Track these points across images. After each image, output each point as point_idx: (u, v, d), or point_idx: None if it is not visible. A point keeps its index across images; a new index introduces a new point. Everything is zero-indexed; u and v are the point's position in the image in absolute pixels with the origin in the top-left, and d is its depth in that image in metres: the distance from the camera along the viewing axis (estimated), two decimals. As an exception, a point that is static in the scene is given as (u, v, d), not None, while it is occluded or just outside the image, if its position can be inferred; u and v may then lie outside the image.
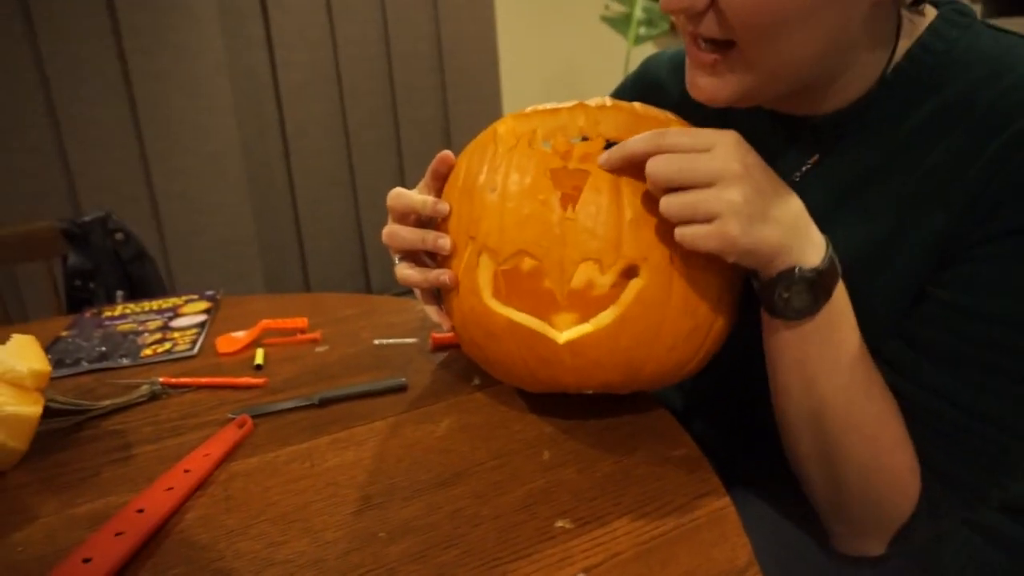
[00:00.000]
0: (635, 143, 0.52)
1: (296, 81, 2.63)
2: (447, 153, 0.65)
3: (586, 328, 0.55)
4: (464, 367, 0.76)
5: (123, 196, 2.32)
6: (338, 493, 0.55)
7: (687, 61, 0.57)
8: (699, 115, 0.63)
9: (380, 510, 0.52)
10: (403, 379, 0.73)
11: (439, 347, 0.82)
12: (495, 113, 3.25)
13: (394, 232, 0.64)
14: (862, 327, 0.54)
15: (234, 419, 0.67)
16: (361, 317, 0.95)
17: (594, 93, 0.85)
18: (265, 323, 0.90)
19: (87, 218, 1.37)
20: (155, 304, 1.05)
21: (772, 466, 0.62)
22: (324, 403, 0.71)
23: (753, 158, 0.50)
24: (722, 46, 0.53)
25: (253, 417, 0.68)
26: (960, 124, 0.51)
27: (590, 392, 0.61)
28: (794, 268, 0.49)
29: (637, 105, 0.60)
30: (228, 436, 0.63)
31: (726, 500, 0.51)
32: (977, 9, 1.21)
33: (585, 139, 0.60)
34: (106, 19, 2.20)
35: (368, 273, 3.00)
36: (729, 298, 0.57)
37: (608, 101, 0.60)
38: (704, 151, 0.49)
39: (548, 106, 0.61)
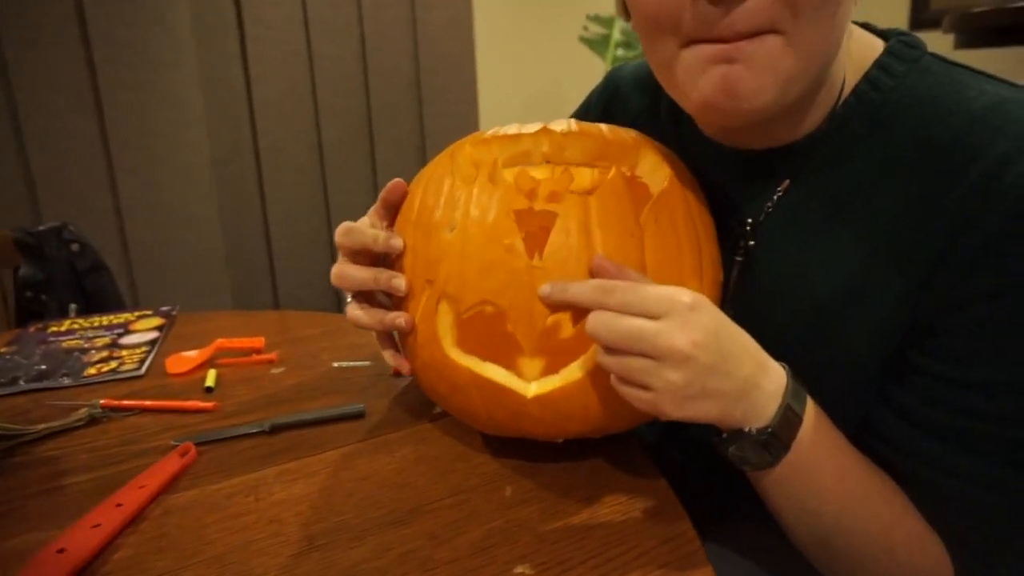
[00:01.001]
0: (579, 292, 0.48)
1: (271, 95, 2.59)
2: (399, 181, 0.61)
3: (555, 382, 0.51)
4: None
5: (88, 207, 2.25)
6: (282, 532, 0.51)
7: (697, 67, 0.48)
8: (659, 137, 0.60)
9: (325, 552, 0.48)
10: (361, 405, 0.69)
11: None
12: (472, 131, 3.24)
13: (344, 272, 0.59)
14: (844, 368, 0.52)
15: (177, 447, 0.62)
16: (322, 338, 0.91)
17: (571, 112, 0.83)
18: (220, 343, 0.86)
19: (41, 227, 1.32)
20: (105, 320, 1.00)
21: (750, 502, 0.59)
22: (275, 430, 0.66)
23: (703, 330, 0.45)
24: (758, 36, 0.46)
25: (198, 444, 0.63)
26: (913, 167, 0.49)
27: (560, 442, 0.58)
28: (742, 429, 0.47)
29: (605, 128, 0.57)
30: (168, 466, 0.59)
31: (697, 545, 0.48)
32: (949, 40, 1.21)
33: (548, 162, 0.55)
34: (75, 28, 2.15)
35: (338, 291, 2.95)
36: None
37: (574, 125, 0.56)
38: (653, 319, 0.45)
39: (510, 130, 0.56)
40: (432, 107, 2.99)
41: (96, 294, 1.33)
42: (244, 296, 2.68)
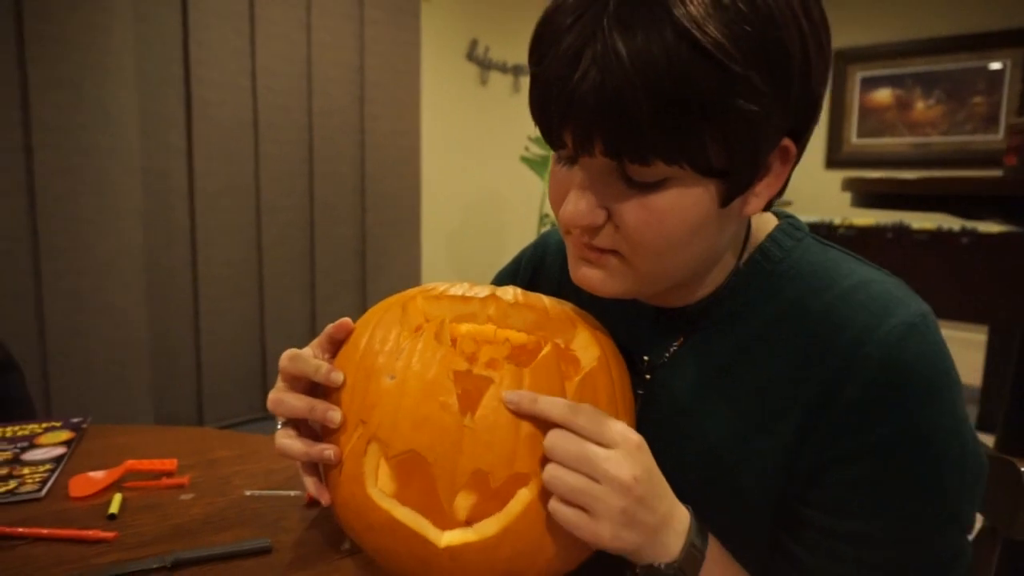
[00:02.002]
0: (549, 407, 0.52)
1: (212, 190, 2.61)
2: (346, 320, 0.63)
3: (468, 536, 0.53)
4: (336, 527, 0.72)
5: (4, 292, 2.18)
6: None
7: (570, 253, 0.59)
8: (578, 299, 0.66)
9: None
10: (267, 540, 0.69)
11: (314, 502, 0.78)
12: (414, 236, 3.31)
13: (281, 399, 0.60)
14: (732, 510, 0.57)
15: (69, 584, 0.60)
16: (237, 460, 0.90)
17: (511, 224, 0.88)
18: (129, 463, 0.84)
19: (-49, 324, 1.27)
20: (9, 431, 0.96)
21: None
22: (177, 566, 0.65)
23: (642, 467, 0.51)
24: (609, 253, 0.55)
25: (92, 581, 0.62)
26: (793, 332, 0.56)
27: None
28: (653, 564, 0.52)
29: (547, 302, 0.61)
30: (56, 608, 0.57)
31: None
32: (846, 199, 1.35)
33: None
34: (16, 111, 2.15)
35: (266, 388, 2.89)
36: None
37: (520, 296, 0.60)
38: (606, 447, 0.51)
39: (459, 290, 0.61)
40: (375, 213, 3.06)
41: (2, 396, 1.28)
42: (166, 390, 2.60)
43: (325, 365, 0.60)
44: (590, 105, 0.46)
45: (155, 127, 2.47)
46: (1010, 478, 0.75)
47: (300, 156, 2.83)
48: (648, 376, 0.64)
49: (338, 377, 0.59)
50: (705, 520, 0.56)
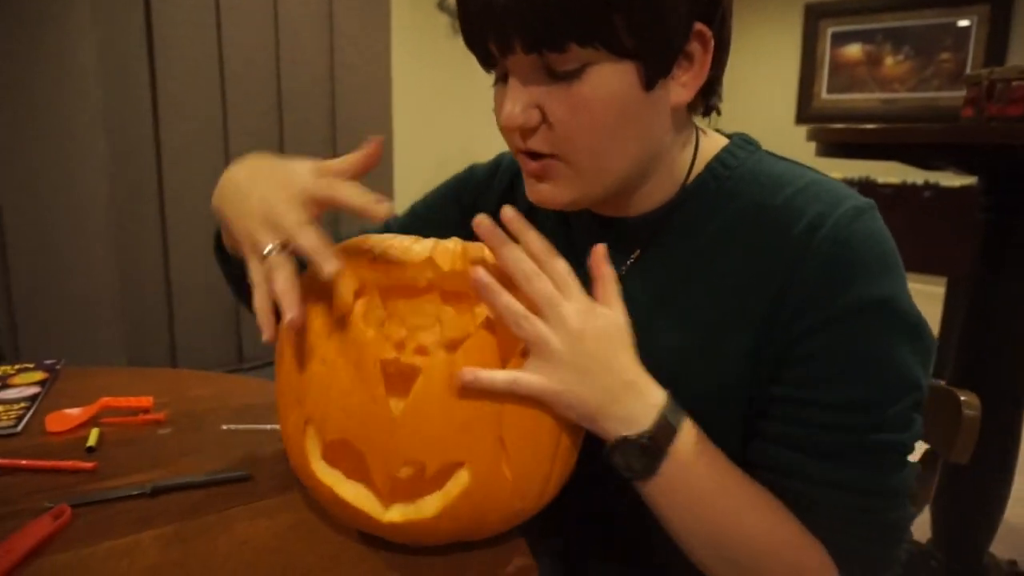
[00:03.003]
0: (514, 266, 0.54)
1: (179, 141, 2.57)
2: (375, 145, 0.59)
3: (410, 514, 0.54)
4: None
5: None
6: (154, 596, 0.52)
7: (524, 174, 0.63)
8: (537, 218, 0.68)
9: (196, 616, 0.50)
10: (245, 471, 0.71)
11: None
12: (385, 189, 3.29)
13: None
14: (692, 412, 0.58)
15: (51, 508, 0.62)
16: (213, 398, 0.92)
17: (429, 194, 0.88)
18: (105, 401, 0.86)
19: (-83, 271, 1.26)
20: (-18, 373, 0.96)
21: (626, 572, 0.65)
22: (156, 493, 0.67)
23: (602, 327, 0.54)
24: (548, 158, 0.59)
25: (74, 507, 0.63)
26: (752, 230, 0.59)
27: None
28: (624, 436, 0.53)
29: (490, 260, 0.58)
30: (39, 529, 0.59)
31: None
32: (811, 148, 1.38)
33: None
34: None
35: (241, 340, 2.89)
36: (569, 441, 0.57)
37: (458, 261, 0.57)
38: (562, 295, 0.54)
39: (397, 250, 0.58)
40: (346, 164, 3.04)
41: (-28, 342, 1.27)
42: (139, 344, 2.58)
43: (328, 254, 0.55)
44: (503, 4, 0.51)
45: (118, 78, 2.41)
46: (951, 406, 0.80)
47: (269, 107, 2.79)
48: None
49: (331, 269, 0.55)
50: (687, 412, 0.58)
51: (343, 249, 0.61)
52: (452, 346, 0.53)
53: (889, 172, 2.95)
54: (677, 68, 0.57)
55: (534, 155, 0.59)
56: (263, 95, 2.77)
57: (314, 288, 0.57)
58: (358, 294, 0.56)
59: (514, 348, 0.55)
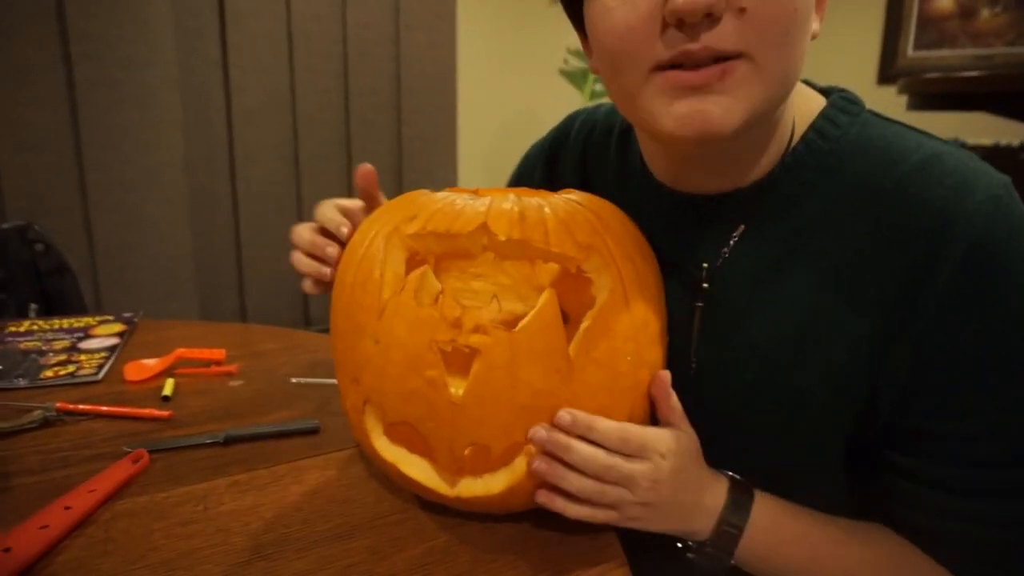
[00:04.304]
0: (603, 436, 0.50)
1: (249, 105, 2.60)
2: (364, 169, 0.67)
3: (477, 489, 0.52)
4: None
5: (53, 205, 2.23)
6: (228, 541, 0.53)
7: (667, 93, 0.49)
8: (607, 188, 0.63)
9: (269, 562, 0.50)
10: (315, 421, 0.71)
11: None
12: (450, 153, 3.28)
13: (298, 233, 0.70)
14: (802, 411, 0.54)
15: (129, 453, 0.63)
16: (283, 352, 0.93)
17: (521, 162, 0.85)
18: (180, 352, 0.87)
19: (5, 226, 1.31)
20: (66, 323, 1.00)
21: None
22: (229, 441, 0.68)
23: (670, 469, 0.51)
24: (732, 59, 0.47)
25: (151, 452, 0.65)
26: (860, 213, 0.52)
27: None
28: (688, 545, 0.55)
29: (551, 222, 0.52)
30: (119, 472, 0.60)
31: (626, 570, 0.51)
32: (902, 102, 1.28)
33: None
34: (54, 23, 2.15)
35: (307, 303, 2.95)
36: (640, 413, 0.54)
37: (515, 230, 0.51)
38: (639, 459, 0.51)
39: (449, 215, 0.53)
40: (411, 127, 3.03)
41: (58, 296, 1.32)
42: (210, 303, 2.67)
43: (338, 220, 0.65)
44: None
45: (190, 40, 2.45)
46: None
47: (336, 70, 2.79)
48: (706, 285, 0.59)
49: (344, 231, 0.64)
50: (765, 443, 0.56)
51: (392, 208, 0.57)
52: (511, 323, 0.50)
53: (981, 132, 2.76)
54: None
55: (704, 60, 0.47)
56: (329, 58, 2.77)
57: (362, 262, 0.54)
58: (410, 263, 0.53)
59: (577, 316, 0.51)
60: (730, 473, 0.56)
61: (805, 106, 0.57)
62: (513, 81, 3.62)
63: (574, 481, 0.49)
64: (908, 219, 0.49)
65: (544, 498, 0.51)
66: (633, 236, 0.56)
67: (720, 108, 0.47)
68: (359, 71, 2.84)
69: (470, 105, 3.41)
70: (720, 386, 0.57)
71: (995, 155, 2.75)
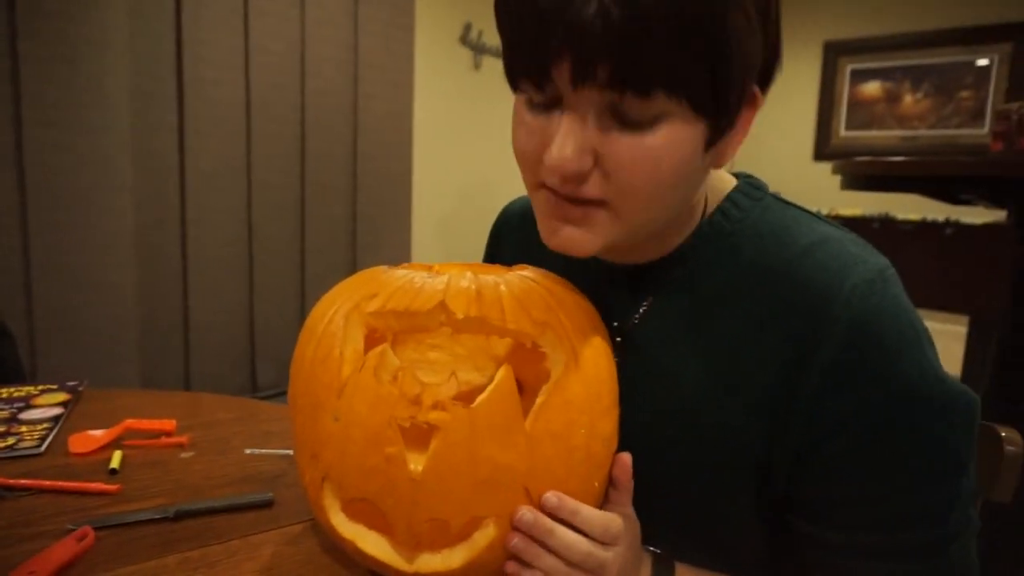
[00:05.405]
0: (588, 525, 0.52)
1: (204, 168, 2.60)
2: None
3: (436, 564, 0.52)
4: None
5: (-7, 266, 2.17)
6: (178, 623, 0.51)
7: (546, 215, 0.56)
8: (543, 261, 0.65)
9: (222, 644, 0.49)
10: (270, 495, 0.70)
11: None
12: (404, 220, 3.31)
13: None
14: (700, 468, 0.58)
15: (74, 531, 0.61)
16: (236, 423, 0.91)
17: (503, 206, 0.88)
18: (128, 423, 0.85)
19: (-55, 290, 1.27)
20: (4, 392, 0.96)
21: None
22: (179, 516, 0.66)
23: (626, 553, 0.54)
24: (592, 204, 0.53)
25: (97, 529, 0.63)
26: (753, 291, 0.57)
27: None
28: None
29: (506, 300, 0.54)
30: (62, 551, 0.58)
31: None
32: (837, 181, 1.37)
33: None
34: (8, 86, 2.14)
35: (255, 369, 2.89)
36: (598, 484, 0.56)
37: (472, 307, 0.53)
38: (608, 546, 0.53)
39: (408, 289, 0.55)
40: (366, 192, 3.06)
41: (-4, 362, 1.28)
42: (153, 369, 2.59)
43: None
44: (597, 31, 0.44)
45: (147, 104, 2.45)
46: (991, 443, 0.77)
47: (292, 135, 2.82)
48: (619, 339, 0.63)
49: None
50: (678, 501, 0.59)
51: (351, 285, 0.58)
52: (469, 395, 0.51)
53: (909, 209, 2.93)
54: (729, 128, 0.53)
55: (574, 200, 0.53)
56: (287, 125, 2.81)
57: (322, 339, 0.55)
58: (368, 340, 0.54)
59: (532, 387, 0.53)
60: (652, 548, 0.59)
61: (720, 184, 0.63)
62: (468, 152, 3.70)
63: (548, 562, 0.51)
64: (795, 297, 0.54)
65: (513, 569, 0.51)
66: (586, 311, 0.59)
67: (581, 237, 0.54)
68: (315, 137, 2.88)
69: (425, 173, 3.47)
70: (634, 443, 0.59)
71: (923, 230, 2.91)
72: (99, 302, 2.35)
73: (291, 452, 0.81)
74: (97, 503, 0.68)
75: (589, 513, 0.52)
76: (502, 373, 0.51)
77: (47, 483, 0.71)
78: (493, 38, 3.69)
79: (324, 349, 0.54)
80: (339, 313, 0.55)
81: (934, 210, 2.20)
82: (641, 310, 0.63)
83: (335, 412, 0.52)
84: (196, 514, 0.67)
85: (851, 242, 0.56)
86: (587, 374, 0.54)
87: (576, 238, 0.54)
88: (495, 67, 3.75)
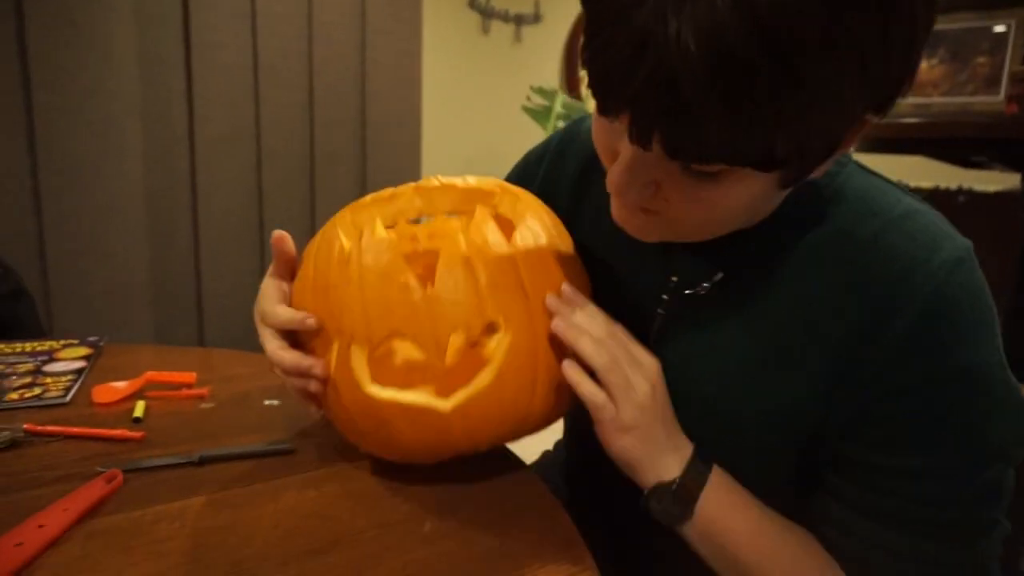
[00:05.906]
0: (588, 324, 0.60)
1: (213, 135, 2.59)
2: (280, 234, 0.67)
3: (468, 391, 0.57)
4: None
5: (7, 231, 2.18)
6: (205, 557, 0.53)
7: (615, 193, 0.53)
8: (596, 205, 0.66)
9: (249, 576, 0.51)
10: (290, 443, 0.72)
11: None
12: (413, 187, 3.31)
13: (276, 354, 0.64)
14: (748, 430, 0.58)
15: (103, 472, 0.63)
16: (253, 377, 0.93)
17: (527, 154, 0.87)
18: (150, 375, 0.87)
19: (-36, 250, 1.29)
20: (28, 346, 0.98)
21: (652, 538, 0.65)
22: (203, 462, 0.68)
23: (663, 389, 0.60)
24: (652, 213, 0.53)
25: (124, 472, 0.64)
26: (837, 258, 0.55)
27: (484, 450, 0.62)
28: (657, 483, 0.57)
29: (471, 180, 0.69)
30: (92, 491, 0.60)
31: (595, 572, 0.53)
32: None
33: (418, 221, 0.68)
34: (14, 48, 2.13)
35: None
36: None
37: (436, 181, 0.68)
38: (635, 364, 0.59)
39: (383, 193, 0.68)
40: (375, 160, 3.05)
41: (14, 321, 1.30)
42: (167, 333, 2.62)
43: (299, 315, 0.62)
44: (651, 103, 0.41)
45: (154, 69, 2.44)
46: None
47: (301, 102, 2.81)
48: (666, 297, 0.63)
49: (312, 323, 0.61)
50: (711, 459, 0.59)
51: (340, 213, 0.68)
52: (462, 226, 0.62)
53: (922, 177, 2.91)
54: (825, 159, 0.48)
55: None
56: (295, 91, 2.79)
57: (321, 243, 0.65)
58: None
59: (511, 228, 0.63)
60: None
61: None
62: (476, 118, 3.68)
63: (588, 344, 0.57)
64: (876, 267, 0.53)
65: (570, 369, 0.58)
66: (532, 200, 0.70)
67: (644, 226, 0.55)
68: (324, 104, 2.87)
69: (434, 140, 3.46)
70: (673, 392, 0.60)
71: (935, 198, 2.89)
72: (111, 266, 2.37)
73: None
74: (122, 449, 0.70)
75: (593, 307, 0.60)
76: (478, 210, 0.62)
77: (75, 430, 0.73)
78: (501, 2, 3.65)
79: (324, 250, 0.63)
80: (328, 229, 0.66)
81: (947, 178, 2.18)
82: (715, 279, 0.61)
83: (346, 278, 0.59)
84: (219, 460, 0.69)
85: (939, 218, 0.55)
86: (547, 222, 0.66)
87: (640, 225, 0.55)
88: (503, 31, 3.71)
